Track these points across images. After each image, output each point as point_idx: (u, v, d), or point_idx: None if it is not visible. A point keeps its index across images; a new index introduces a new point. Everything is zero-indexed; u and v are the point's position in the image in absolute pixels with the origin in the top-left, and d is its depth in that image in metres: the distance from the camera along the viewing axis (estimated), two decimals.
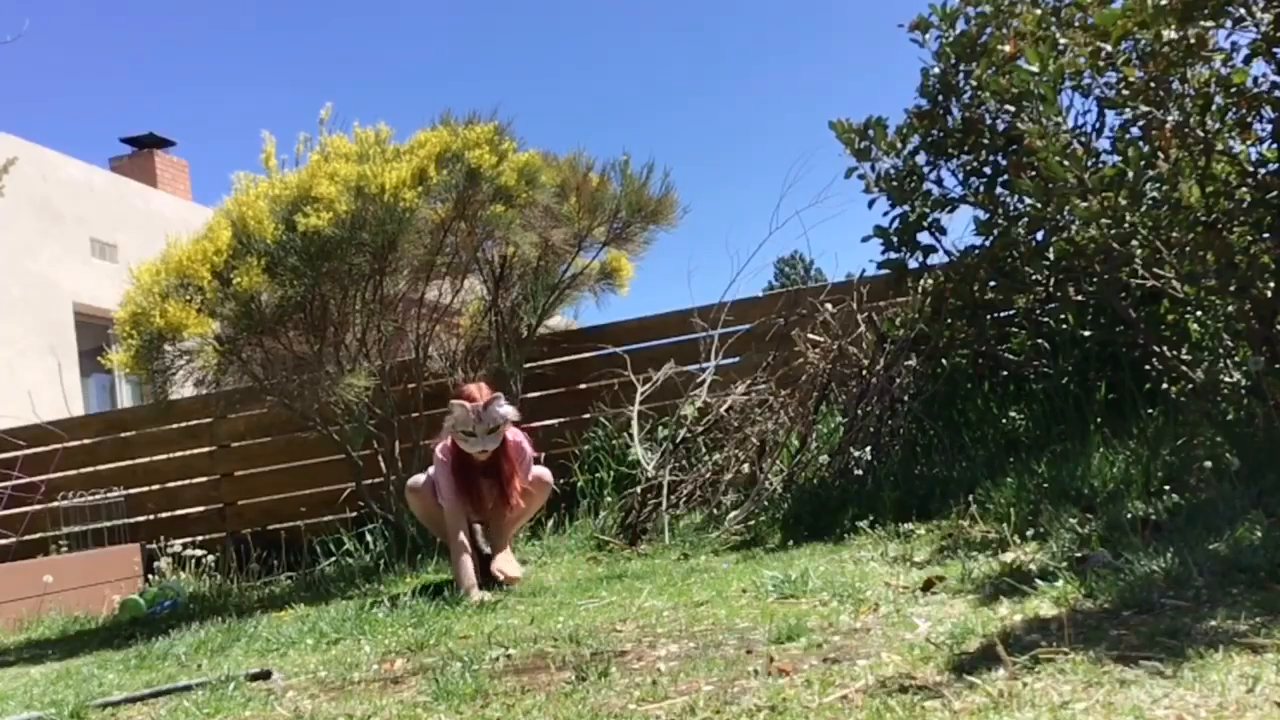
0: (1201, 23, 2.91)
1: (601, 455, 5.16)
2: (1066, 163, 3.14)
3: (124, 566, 5.54)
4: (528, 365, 5.48)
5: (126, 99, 31.68)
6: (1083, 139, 3.36)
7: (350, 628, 3.13)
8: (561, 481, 5.02)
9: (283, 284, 4.20)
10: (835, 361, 4.45)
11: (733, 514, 4.15)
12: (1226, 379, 3.24)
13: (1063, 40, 3.27)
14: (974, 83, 3.83)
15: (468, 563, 3.60)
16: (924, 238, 4.22)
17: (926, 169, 4.14)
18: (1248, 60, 3.01)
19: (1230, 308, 3.24)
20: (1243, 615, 1.74)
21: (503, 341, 5.32)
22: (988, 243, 4.03)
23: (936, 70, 4.01)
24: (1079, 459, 3.44)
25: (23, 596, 5.09)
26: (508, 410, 3.69)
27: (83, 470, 6.39)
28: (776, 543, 3.76)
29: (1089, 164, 3.20)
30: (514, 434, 3.80)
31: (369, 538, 4.97)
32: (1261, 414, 3.05)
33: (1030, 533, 2.84)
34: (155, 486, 6.36)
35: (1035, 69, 3.22)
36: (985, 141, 3.93)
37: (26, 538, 6.01)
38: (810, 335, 4.63)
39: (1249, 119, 3.10)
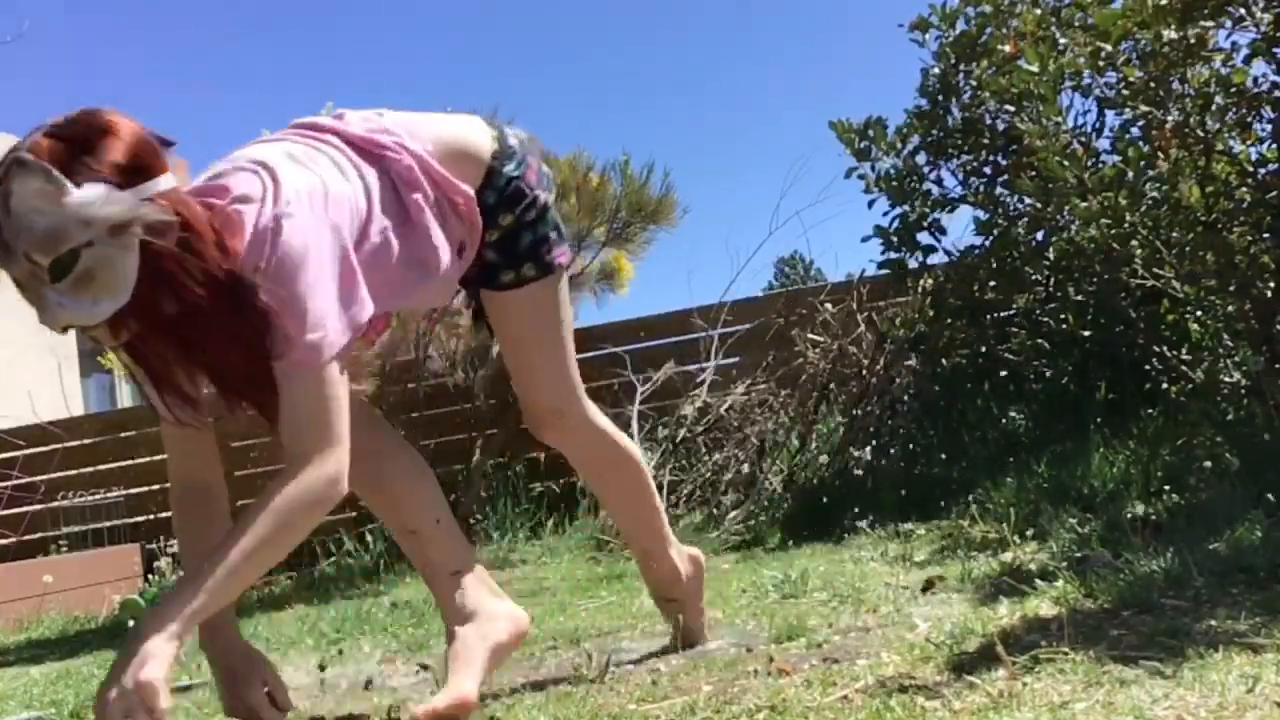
0: (1201, 23, 2.91)
1: None
2: (1066, 163, 3.13)
3: (124, 566, 5.54)
4: None
5: (126, 99, 31.71)
6: (1083, 139, 3.36)
7: (350, 628, 3.13)
8: (561, 481, 5.02)
9: None
10: (835, 361, 4.46)
11: (733, 514, 4.16)
12: (1226, 379, 3.24)
13: (1063, 40, 3.27)
14: (974, 83, 3.84)
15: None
16: (924, 238, 4.22)
17: (926, 169, 4.14)
18: (1248, 60, 3.01)
19: (1230, 308, 3.23)
20: (1243, 615, 1.74)
21: None
22: (988, 243, 4.03)
23: (936, 70, 4.01)
24: (1079, 459, 3.43)
25: (23, 596, 5.08)
26: (88, 195, 1.34)
27: (83, 470, 6.38)
28: (776, 543, 3.76)
29: (1089, 164, 3.20)
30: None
31: (369, 538, 4.97)
32: (1261, 414, 3.04)
33: (1030, 533, 2.83)
34: (155, 486, 6.35)
35: (1035, 69, 3.22)
36: (985, 141, 3.94)
37: (26, 538, 6.00)
38: (810, 335, 4.63)
39: (1249, 119, 3.09)
